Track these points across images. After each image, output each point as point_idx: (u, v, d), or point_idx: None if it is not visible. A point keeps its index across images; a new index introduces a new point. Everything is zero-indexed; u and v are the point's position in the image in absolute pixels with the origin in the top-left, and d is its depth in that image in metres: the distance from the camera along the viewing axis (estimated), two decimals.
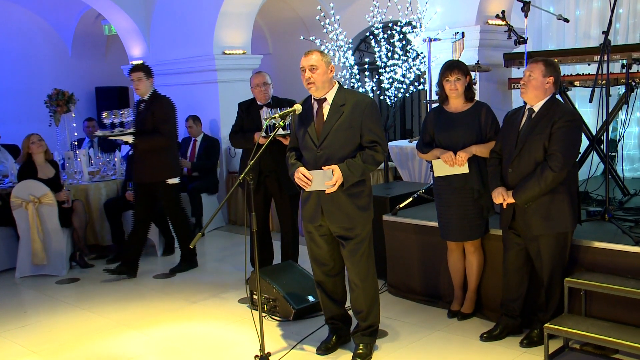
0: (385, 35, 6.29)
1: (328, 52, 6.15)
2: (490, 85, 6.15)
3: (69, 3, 10.03)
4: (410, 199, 5.05)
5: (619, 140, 5.96)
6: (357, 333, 3.86)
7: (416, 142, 4.75)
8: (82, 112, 9.75)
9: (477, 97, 4.33)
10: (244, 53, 8.32)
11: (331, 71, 3.66)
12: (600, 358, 3.68)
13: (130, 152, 7.73)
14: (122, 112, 5.56)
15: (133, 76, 5.70)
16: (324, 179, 3.58)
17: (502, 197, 3.80)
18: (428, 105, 5.65)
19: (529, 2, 5.04)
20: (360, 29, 9.57)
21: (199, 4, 8.15)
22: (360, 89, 6.36)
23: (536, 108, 3.76)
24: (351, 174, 3.58)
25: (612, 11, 4.39)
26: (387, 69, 6.29)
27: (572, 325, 3.61)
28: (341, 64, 6.40)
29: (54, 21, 10.65)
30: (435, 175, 4.20)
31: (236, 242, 7.14)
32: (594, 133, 5.35)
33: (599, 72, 4.14)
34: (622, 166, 5.99)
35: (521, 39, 5.26)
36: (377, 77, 6.39)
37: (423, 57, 6.19)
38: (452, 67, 4.13)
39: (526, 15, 5.08)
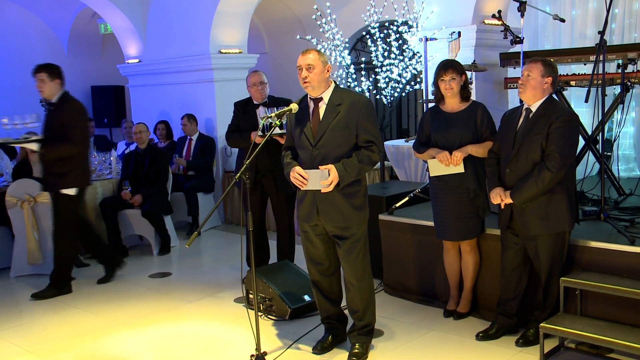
0: (382, 35, 6.30)
1: (324, 51, 6.15)
2: (487, 85, 6.16)
3: (65, 1, 10.00)
4: (407, 199, 5.05)
5: (615, 140, 5.99)
6: (353, 332, 3.86)
7: (412, 141, 4.75)
8: None
9: (473, 97, 4.34)
10: (240, 52, 8.31)
11: (328, 71, 3.65)
12: (596, 357, 3.68)
13: (125, 151, 7.71)
14: (26, 117, 5.11)
15: (36, 77, 5.13)
16: (320, 179, 3.57)
17: (500, 197, 3.80)
18: (424, 104, 5.65)
19: (525, 2, 5.05)
20: (356, 28, 9.58)
21: (195, 3, 8.13)
22: (357, 89, 6.36)
23: (534, 108, 3.76)
24: (347, 173, 3.57)
25: (608, 11, 4.39)
26: (384, 69, 6.29)
27: (568, 325, 3.62)
28: (337, 64, 6.40)
29: (49, 20, 10.62)
30: (431, 174, 4.20)
31: (232, 242, 7.13)
32: (589, 133, 5.37)
33: (595, 72, 4.15)
34: (618, 166, 6.02)
35: (517, 39, 5.28)
36: (373, 76, 6.40)
37: (419, 57, 6.19)
38: (447, 66, 4.13)
39: (522, 15, 5.10)
